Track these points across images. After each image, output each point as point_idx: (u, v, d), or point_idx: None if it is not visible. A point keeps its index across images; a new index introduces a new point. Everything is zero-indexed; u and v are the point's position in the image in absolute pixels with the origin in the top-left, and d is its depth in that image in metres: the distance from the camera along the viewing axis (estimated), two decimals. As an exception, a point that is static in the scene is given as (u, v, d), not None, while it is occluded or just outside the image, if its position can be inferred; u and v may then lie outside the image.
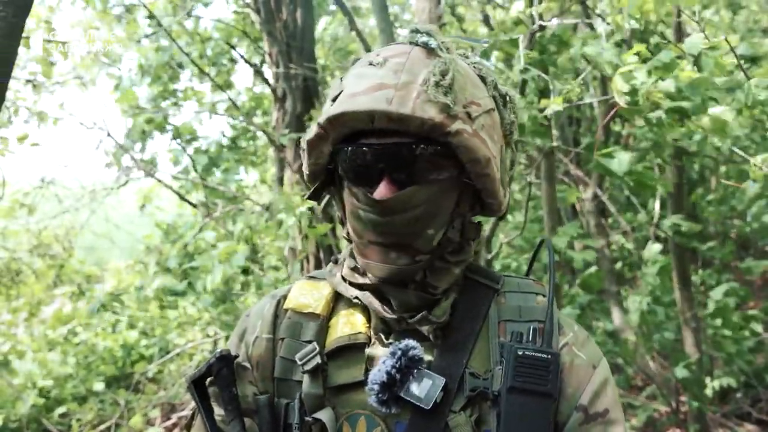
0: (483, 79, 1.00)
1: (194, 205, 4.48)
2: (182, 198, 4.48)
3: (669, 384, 4.60)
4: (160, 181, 4.57)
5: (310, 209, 3.34)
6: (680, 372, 3.72)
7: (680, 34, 3.45)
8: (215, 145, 5.23)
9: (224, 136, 5.45)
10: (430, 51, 0.94)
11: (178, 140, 4.98)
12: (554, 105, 2.21)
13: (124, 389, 4.91)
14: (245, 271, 3.93)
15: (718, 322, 4.09)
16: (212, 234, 4.21)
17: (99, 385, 4.92)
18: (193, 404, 1.02)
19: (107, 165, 4.55)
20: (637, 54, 1.93)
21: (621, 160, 2.04)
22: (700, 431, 4.09)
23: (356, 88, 0.91)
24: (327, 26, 5.99)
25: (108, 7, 4.90)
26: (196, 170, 4.78)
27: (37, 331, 5.40)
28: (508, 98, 1.03)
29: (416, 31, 0.96)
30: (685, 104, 1.77)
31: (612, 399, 0.98)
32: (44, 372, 5.01)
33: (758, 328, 4.48)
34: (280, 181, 4.49)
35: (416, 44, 0.95)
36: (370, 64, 0.93)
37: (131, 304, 4.06)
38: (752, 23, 6.37)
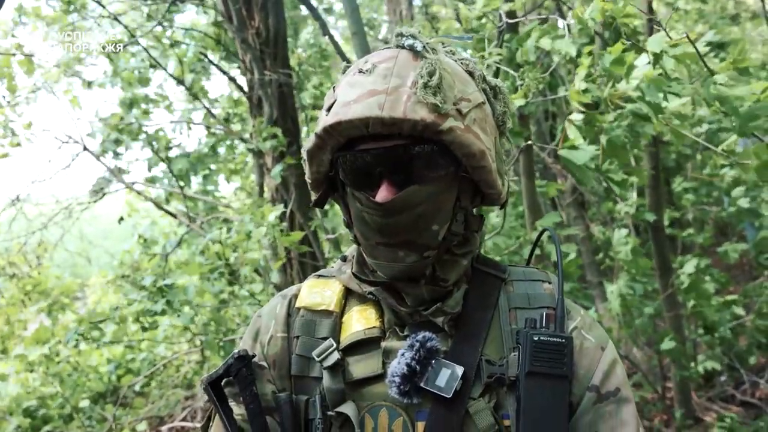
0: (471, 73, 1.03)
1: (174, 215, 4.43)
2: (160, 208, 4.42)
3: (654, 370, 4.66)
4: (139, 193, 4.52)
5: (280, 217, 3.29)
6: (666, 345, 3.74)
7: (651, 31, 3.48)
8: (194, 152, 5.18)
9: (202, 144, 5.40)
10: (416, 53, 0.96)
11: (154, 145, 4.90)
12: (516, 100, 2.22)
13: (112, 404, 4.85)
14: (230, 281, 3.89)
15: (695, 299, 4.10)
16: (190, 249, 4.16)
17: (84, 403, 4.84)
18: (202, 405, 1.03)
19: (97, 157, 4.45)
20: (590, 54, 1.94)
21: (584, 152, 2.02)
22: (686, 415, 4.15)
23: (349, 97, 0.94)
24: (293, 29, 5.94)
25: (81, 16, 4.84)
26: (175, 176, 4.70)
27: (17, 351, 5.30)
28: (497, 89, 1.06)
29: (401, 35, 0.99)
30: (644, 107, 1.78)
31: (621, 378, 1.02)
32: (29, 392, 4.92)
33: (740, 311, 4.55)
34: (261, 187, 4.47)
35: (402, 47, 0.98)
36: (360, 71, 0.96)
37: (110, 329, 3.98)
38: (720, 11, 6.48)
